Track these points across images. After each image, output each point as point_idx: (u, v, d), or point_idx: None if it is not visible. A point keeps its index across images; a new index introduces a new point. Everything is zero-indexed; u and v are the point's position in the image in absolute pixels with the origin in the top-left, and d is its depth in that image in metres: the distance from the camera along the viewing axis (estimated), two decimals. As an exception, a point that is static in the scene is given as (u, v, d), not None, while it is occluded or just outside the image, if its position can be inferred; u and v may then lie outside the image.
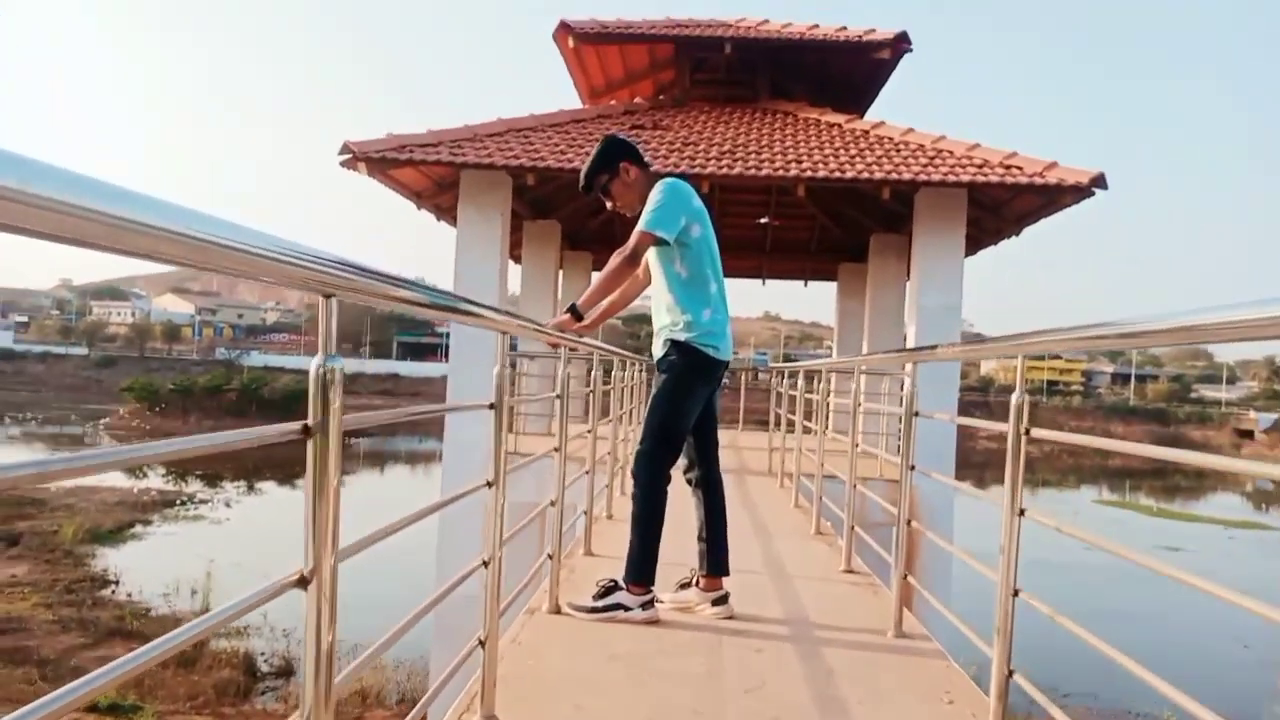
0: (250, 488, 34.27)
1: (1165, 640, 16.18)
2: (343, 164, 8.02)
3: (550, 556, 3.39)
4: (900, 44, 10.25)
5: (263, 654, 15.32)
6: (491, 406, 2.26)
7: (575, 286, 14.02)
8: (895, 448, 9.58)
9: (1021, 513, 2.18)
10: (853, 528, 4.41)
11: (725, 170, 8.50)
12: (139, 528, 25.90)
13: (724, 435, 13.48)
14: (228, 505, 30.16)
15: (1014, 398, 2.19)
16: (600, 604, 3.34)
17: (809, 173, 8.49)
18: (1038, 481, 49.99)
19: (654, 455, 3.44)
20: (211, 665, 14.42)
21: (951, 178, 8.43)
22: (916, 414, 3.29)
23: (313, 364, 1.22)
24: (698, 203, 3.49)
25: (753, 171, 8.49)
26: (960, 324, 9.08)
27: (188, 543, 23.12)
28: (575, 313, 3.42)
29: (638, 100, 11.22)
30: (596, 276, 3.51)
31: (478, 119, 9.18)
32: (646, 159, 3.67)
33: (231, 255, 0.88)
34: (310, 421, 1.22)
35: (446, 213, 10.00)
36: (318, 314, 1.23)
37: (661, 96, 11.45)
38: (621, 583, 3.39)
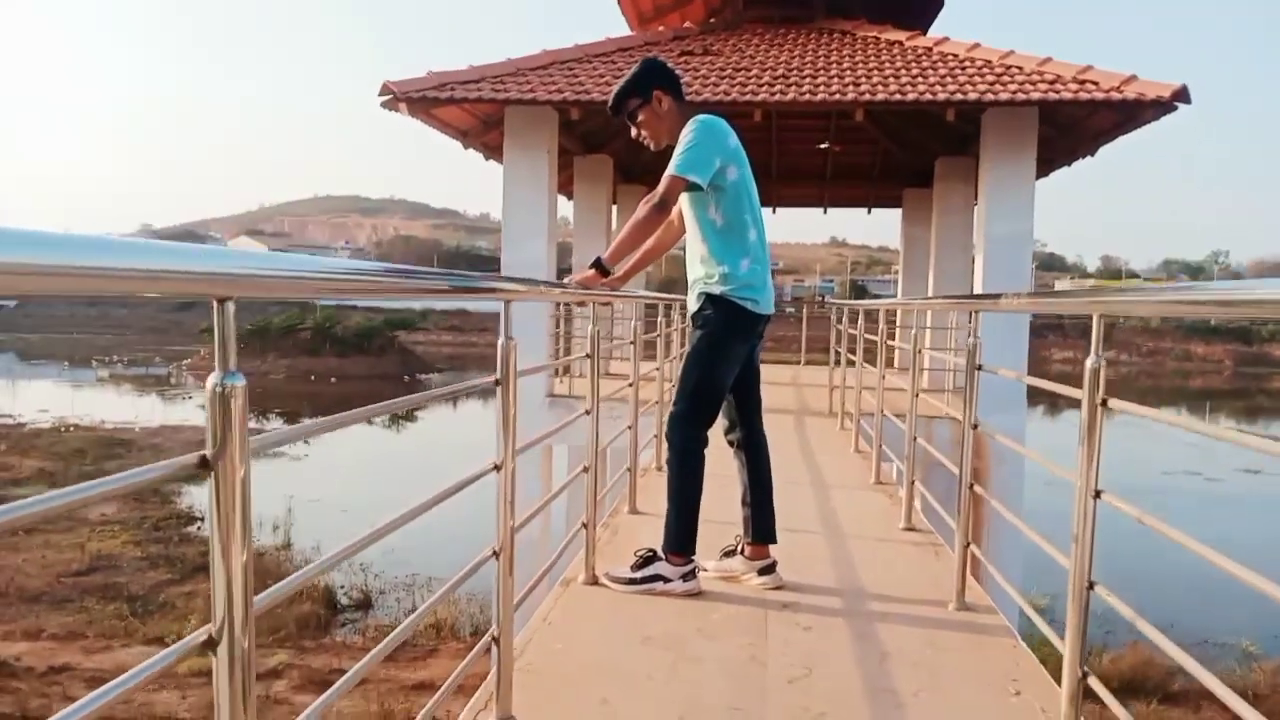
0: (329, 423, 35.04)
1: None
2: (383, 105, 7.79)
3: (585, 525, 3.21)
4: (967, -49, 9.58)
5: (342, 587, 15.72)
6: (497, 383, 2.05)
7: (626, 218, 13.71)
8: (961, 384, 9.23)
9: (1098, 494, 1.90)
10: (914, 482, 4.14)
11: (779, 96, 8.06)
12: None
13: (785, 371, 13.35)
14: (305, 442, 30.92)
15: (1089, 362, 1.89)
16: (639, 575, 3.14)
17: (868, 96, 7.99)
18: (1115, 404, 48.70)
19: (689, 418, 3.19)
20: (293, 599, 14.80)
21: (1021, 96, 7.84)
22: (980, 368, 2.99)
23: (209, 382, 1.00)
24: (734, 141, 3.18)
25: (808, 96, 8.03)
26: (1031, 254, 8.58)
27: (268, 479, 23.75)
28: (601, 267, 3.14)
29: (687, 25, 10.72)
30: (623, 227, 3.20)
31: (526, 52, 8.88)
32: (686, 93, 3.37)
33: (95, 278, 0.73)
34: (208, 451, 0.99)
35: (495, 151, 9.73)
36: (215, 323, 1.01)
37: (713, 20, 10.94)
38: (661, 552, 3.18)
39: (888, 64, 8.82)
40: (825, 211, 15.03)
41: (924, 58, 8.91)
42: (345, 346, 50.03)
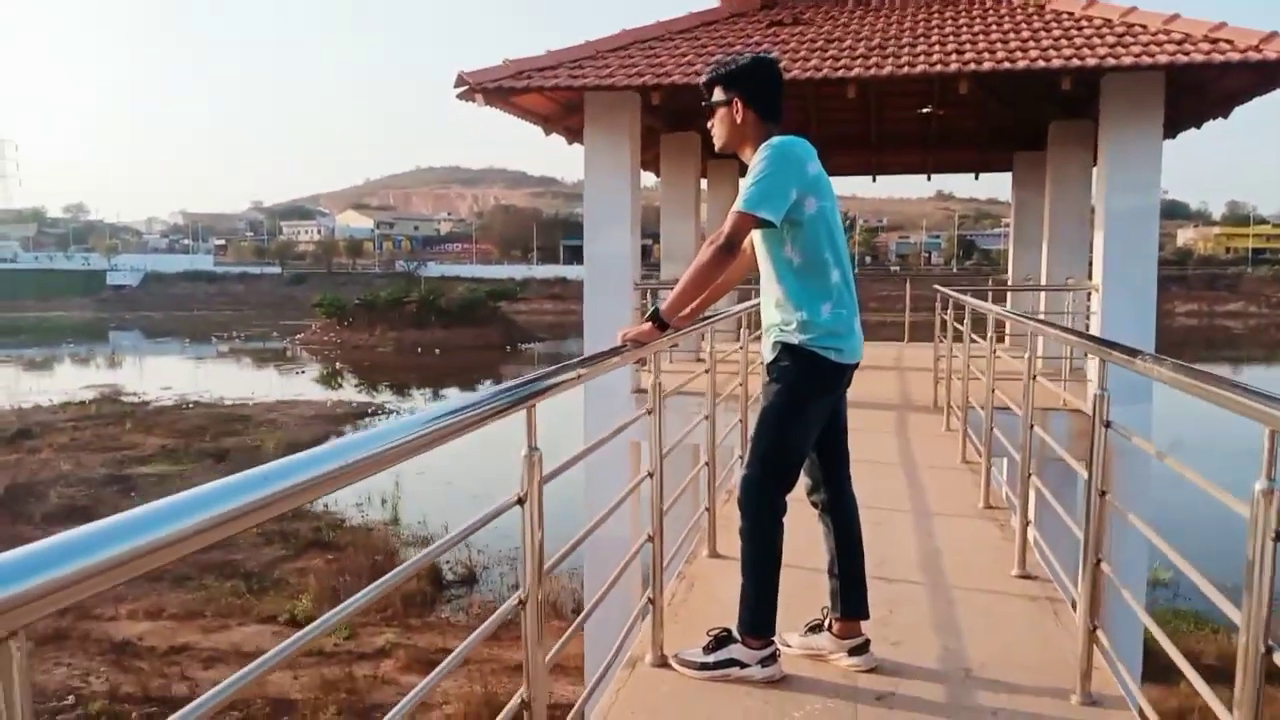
0: (436, 395, 35.72)
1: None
2: (459, 96, 7.55)
3: (651, 601, 2.89)
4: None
5: (447, 562, 15.92)
6: (520, 501, 1.75)
7: (721, 194, 13.25)
8: (1076, 369, 8.55)
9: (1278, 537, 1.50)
10: (1027, 524, 3.67)
11: (875, 70, 7.47)
12: (334, 440, 27.47)
13: (887, 351, 12.69)
14: (413, 414, 31.52)
15: (1258, 486, 1.48)
16: (712, 659, 2.80)
17: (973, 65, 7.32)
18: (1242, 358, 46.06)
19: (763, 483, 2.83)
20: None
21: (1145, 60, 7.04)
22: (1108, 425, 2.54)
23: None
24: (815, 168, 2.76)
25: (906, 69, 7.41)
26: (1157, 230, 7.81)
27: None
28: (659, 320, 2.79)
29: (779, -8, 10.15)
30: (685, 272, 2.80)
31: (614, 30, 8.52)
32: (777, 108, 2.87)
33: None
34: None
35: (577, 135, 9.40)
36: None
37: (806, -15, 10.31)
38: (736, 633, 2.84)
39: (995, 27, 8.13)
40: (929, 178, 14.29)
41: (1035, 18, 8.17)
42: (450, 318, 50.93)
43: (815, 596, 3.03)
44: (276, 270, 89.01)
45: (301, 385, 37.80)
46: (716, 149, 2.94)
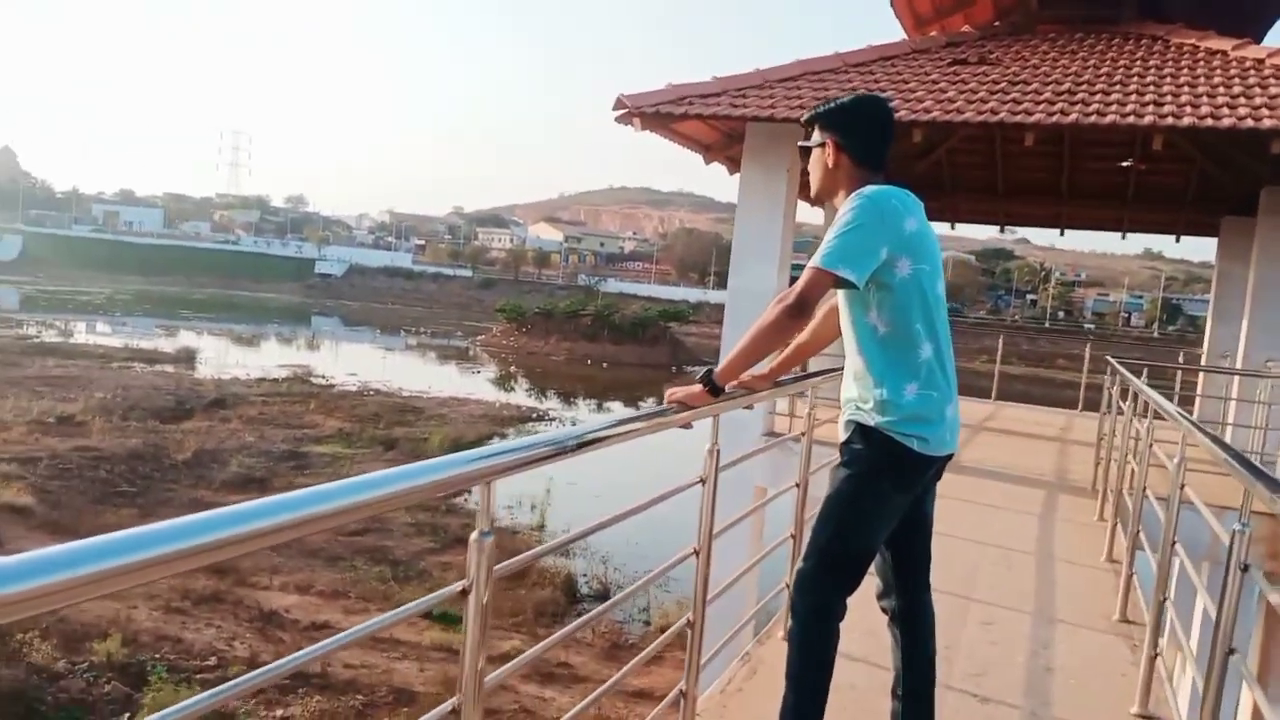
0: (599, 407, 36.27)
1: None
2: (618, 119, 7.53)
3: (683, 693, 2.61)
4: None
5: (584, 575, 16.00)
6: (465, 593, 1.60)
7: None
8: (1268, 461, 7.60)
9: None
10: (1155, 654, 3.15)
11: (1058, 117, 6.93)
12: (495, 441, 28.27)
13: (1053, 420, 11.76)
14: (574, 424, 32.08)
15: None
16: None
17: (1170, 120, 6.65)
18: None
19: (818, 580, 2.47)
20: (537, 582, 15.20)
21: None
22: (1245, 569, 2.14)
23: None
24: (914, 224, 2.43)
25: (1093, 119, 6.83)
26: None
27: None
28: (712, 384, 2.45)
29: (965, 29, 9.66)
30: (747, 332, 2.47)
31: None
32: (877, 154, 2.56)
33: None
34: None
35: (738, 165, 9.27)
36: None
37: (998, 23, 9.79)
38: None
39: (1203, 79, 7.40)
40: (1124, 236, 13.26)
41: (1251, 72, 7.39)
42: (620, 334, 51.75)
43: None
44: (468, 273, 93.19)
45: (476, 384, 39.26)
46: (811, 197, 2.70)
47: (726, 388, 2.50)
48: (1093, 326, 76.39)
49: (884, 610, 2.67)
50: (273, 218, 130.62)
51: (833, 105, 2.56)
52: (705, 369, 2.48)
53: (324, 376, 35.65)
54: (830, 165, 2.55)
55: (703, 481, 2.63)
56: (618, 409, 35.48)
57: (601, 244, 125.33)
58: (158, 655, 11.33)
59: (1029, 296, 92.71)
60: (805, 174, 2.75)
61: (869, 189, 2.44)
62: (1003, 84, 7.73)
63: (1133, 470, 4.66)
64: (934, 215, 15.12)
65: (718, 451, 2.64)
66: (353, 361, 41.68)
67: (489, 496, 1.60)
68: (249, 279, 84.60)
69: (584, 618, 2.29)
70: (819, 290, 2.36)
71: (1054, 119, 6.93)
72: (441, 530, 17.91)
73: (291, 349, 47.64)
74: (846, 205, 2.43)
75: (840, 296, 2.56)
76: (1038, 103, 7.25)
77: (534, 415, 32.27)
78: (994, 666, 3.45)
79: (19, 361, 30.42)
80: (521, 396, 37.28)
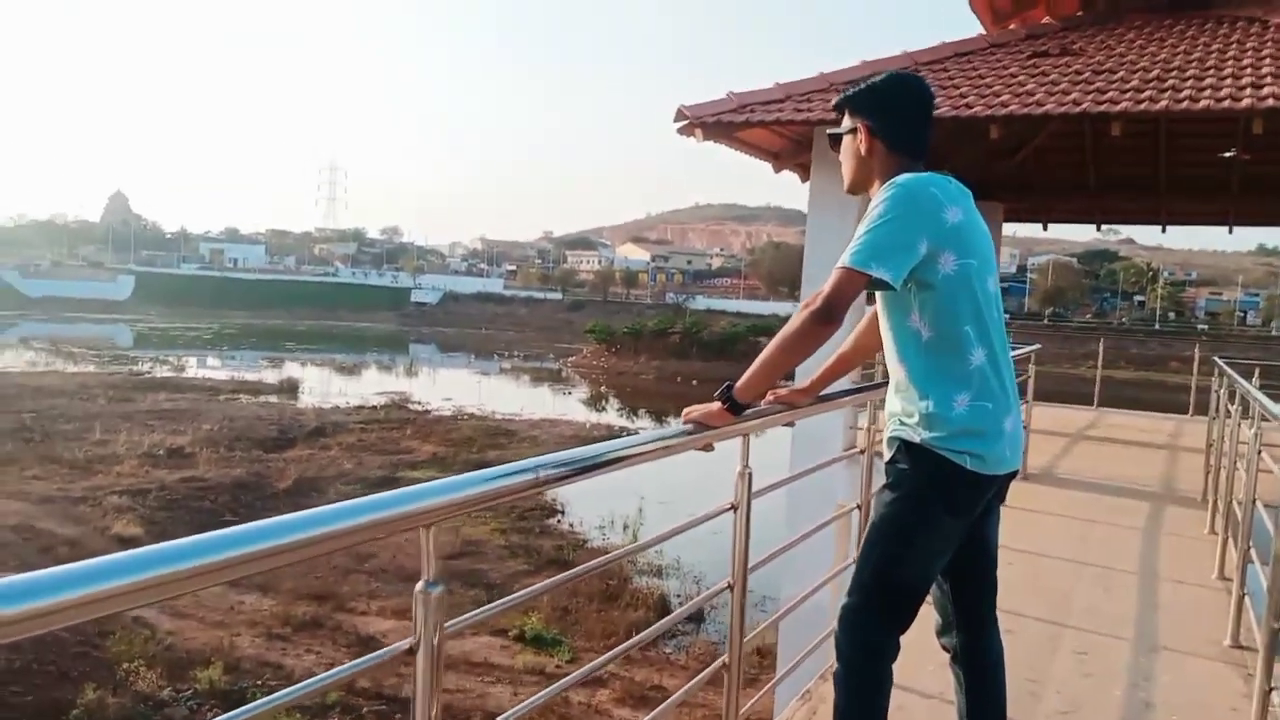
0: (690, 429, 36.16)
1: None
2: (680, 131, 7.40)
3: None
4: None
5: (678, 596, 15.82)
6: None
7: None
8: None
9: None
10: (1270, 689, 2.83)
11: (1146, 105, 6.54)
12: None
13: (1161, 426, 11.09)
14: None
15: None
16: None
17: (1270, 101, 6.21)
18: None
19: (864, 617, 2.23)
20: (629, 603, 15.10)
21: None
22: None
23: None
24: (957, 214, 2.15)
25: (1185, 104, 6.43)
26: None
27: (625, 478, 24.76)
28: (731, 400, 2.18)
29: (1046, 21, 9.27)
30: (771, 341, 2.22)
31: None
32: (916, 139, 2.29)
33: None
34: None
35: (809, 173, 9.04)
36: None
37: (1081, 13, 9.36)
38: None
39: (1308, 56, 6.92)
40: (1230, 231, 12.50)
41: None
42: (709, 351, 51.63)
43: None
44: (558, 296, 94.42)
45: (567, 405, 39.60)
46: (845, 189, 2.42)
47: (762, 402, 2.31)
48: (1205, 327, 72.91)
49: (944, 648, 2.42)
50: (369, 249, 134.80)
51: (863, 86, 2.30)
52: (725, 385, 2.22)
53: (420, 402, 36.36)
54: (863, 153, 2.29)
55: (734, 508, 2.40)
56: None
57: (689, 261, 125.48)
58: (259, 682, 11.56)
59: (1136, 298, 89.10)
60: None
61: (902, 177, 2.17)
62: (1086, 74, 7.34)
63: (1242, 478, 4.27)
64: (1025, 216, 14.60)
65: (749, 474, 2.41)
66: (448, 387, 42.50)
67: (428, 542, 1.41)
68: (348, 310, 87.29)
69: (594, 662, 2.14)
70: (849, 293, 2.10)
71: (1142, 107, 6.54)
72: (535, 552, 17.97)
73: (389, 376, 48.85)
74: (878, 197, 2.17)
75: (879, 300, 2.30)
76: (1124, 91, 6.86)
77: (624, 434, 32.31)
78: (1087, 702, 3.14)
79: (132, 396, 31.84)
80: (612, 416, 37.46)
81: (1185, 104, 6.48)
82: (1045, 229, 14.28)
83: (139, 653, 11.29)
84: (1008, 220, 12.94)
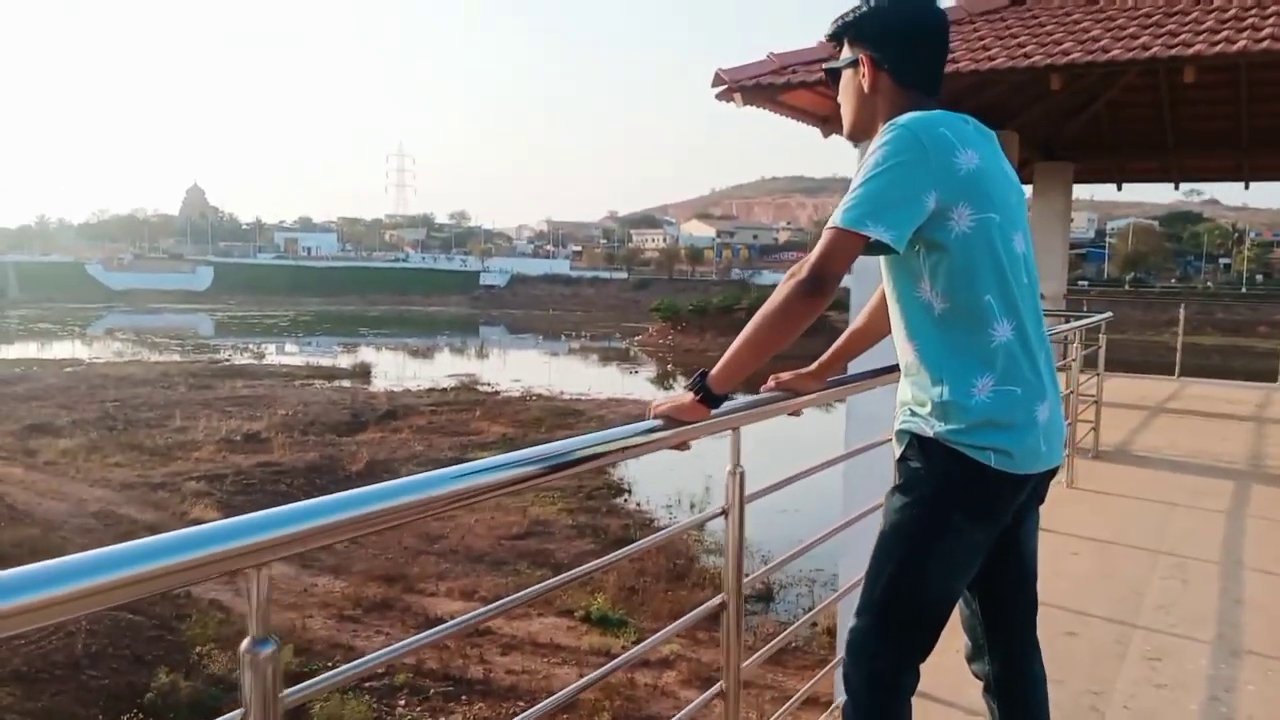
0: (759, 400, 35.94)
1: None
2: (718, 96, 7.10)
3: None
4: None
5: (746, 575, 15.63)
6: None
7: (1050, 200, 11.80)
8: None
9: None
10: None
11: (1221, 46, 6.08)
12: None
13: (1253, 394, 10.42)
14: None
15: None
16: None
17: (1362, 35, 5.76)
18: None
19: (874, 642, 1.89)
20: (696, 583, 15.00)
21: None
22: None
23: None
24: (972, 158, 1.75)
25: (1265, 44, 5.96)
26: None
27: (693, 456, 24.56)
28: (705, 390, 1.82)
29: (1112, -35, 8.72)
30: (750, 320, 1.84)
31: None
32: (928, 71, 1.90)
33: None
34: None
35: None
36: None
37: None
38: None
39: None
40: (1322, 181, 11.74)
41: None
42: (777, 326, 51.09)
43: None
44: (623, 275, 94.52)
45: (635, 384, 39.64)
46: (844, 134, 2.02)
47: (762, 389, 2.06)
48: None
49: (976, 676, 2.06)
50: (438, 234, 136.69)
51: (864, 9, 1.90)
52: (698, 373, 1.84)
53: (489, 384, 36.73)
54: (866, 90, 1.89)
55: (725, 513, 2.10)
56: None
57: (755, 236, 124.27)
58: (329, 664, 11.73)
59: (1222, 261, 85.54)
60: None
61: (906, 116, 1.76)
62: (1156, 16, 6.88)
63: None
64: (1097, 177, 13.95)
65: (741, 474, 2.10)
66: (517, 368, 42.91)
67: (257, 589, 1.11)
68: (419, 294, 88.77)
69: (598, 671, 1.96)
70: (842, 260, 1.71)
71: (1218, 48, 6.07)
72: (602, 531, 17.95)
73: (460, 359, 49.51)
74: (876, 140, 1.77)
75: (882, 267, 1.92)
76: (1198, 33, 6.39)
77: (694, 410, 32.10)
78: (1159, 717, 2.79)
79: (211, 384, 32.77)
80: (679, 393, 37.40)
81: (1266, 43, 6.00)
82: (1120, 189, 13.60)
83: (213, 635, 11.53)
84: (1079, 181, 12.37)
